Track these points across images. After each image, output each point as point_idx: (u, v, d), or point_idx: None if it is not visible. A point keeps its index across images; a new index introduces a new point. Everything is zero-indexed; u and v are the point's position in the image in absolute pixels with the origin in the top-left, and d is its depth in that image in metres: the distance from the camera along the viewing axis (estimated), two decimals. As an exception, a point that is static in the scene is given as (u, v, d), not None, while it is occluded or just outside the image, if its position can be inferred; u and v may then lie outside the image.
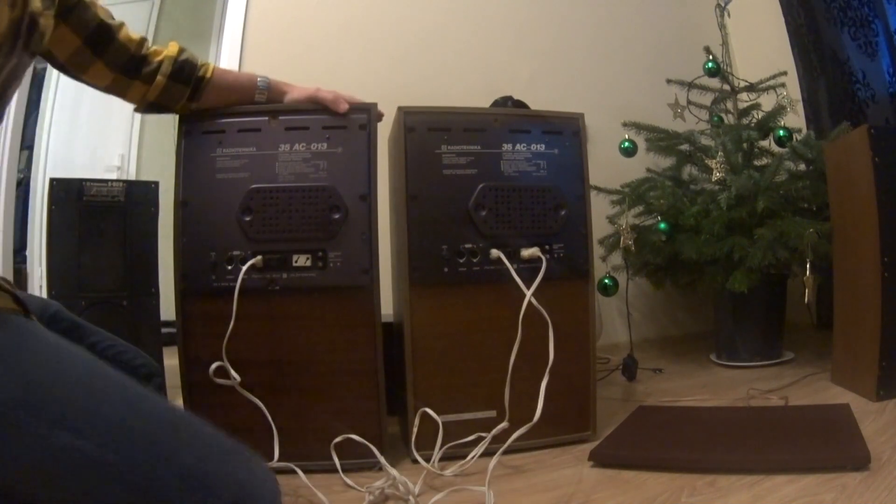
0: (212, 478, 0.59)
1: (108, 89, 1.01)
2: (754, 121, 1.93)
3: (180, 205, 1.07)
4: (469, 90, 2.06)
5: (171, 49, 1.04)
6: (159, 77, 1.01)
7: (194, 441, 0.61)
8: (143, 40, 1.01)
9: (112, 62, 0.97)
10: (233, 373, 0.97)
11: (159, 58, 1.02)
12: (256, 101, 1.11)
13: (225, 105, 1.09)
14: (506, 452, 0.99)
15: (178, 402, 1.05)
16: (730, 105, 2.00)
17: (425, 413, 1.07)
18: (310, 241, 1.06)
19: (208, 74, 1.06)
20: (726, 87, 2.00)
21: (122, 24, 0.99)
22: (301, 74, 2.05)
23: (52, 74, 2.59)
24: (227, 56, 1.98)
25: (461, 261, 1.12)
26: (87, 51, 0.94)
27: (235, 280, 1.02)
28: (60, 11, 0.88)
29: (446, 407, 1.09)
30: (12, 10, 0.73)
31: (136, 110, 1.07)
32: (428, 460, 1.03)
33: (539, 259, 1.10)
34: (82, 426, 0.55)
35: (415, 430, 1.07)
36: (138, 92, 1.02)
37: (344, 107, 1.08)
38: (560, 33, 2.36)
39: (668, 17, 2.53)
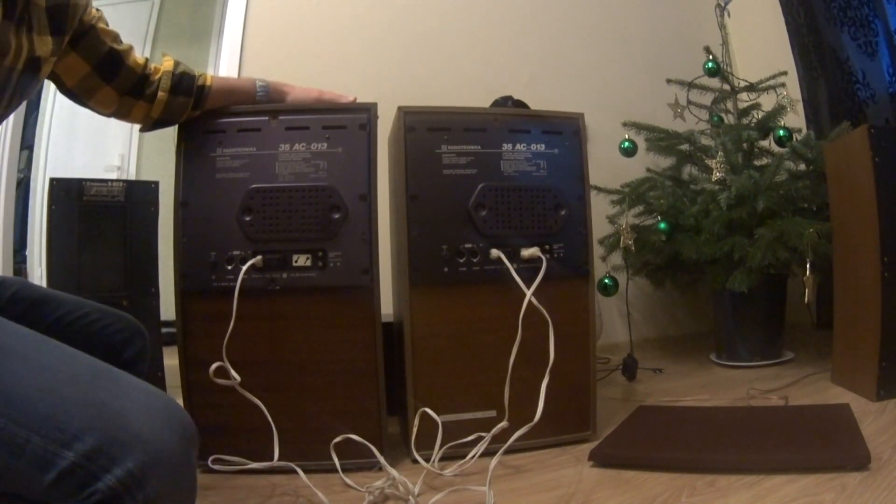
0: (111, 452, 0.56)
1: (113, 114, 1.02)
2: (754, 121, 1.93)
3: (180, 205, 1.07)
4: (469, 90, 2.06)
5: (167, 64, 1.04)
6: (160, 93, 1.02)
7: (96, 421, 0.58)
8: (146, 62, 1.02)
9: (120, 86, 0.98)
10: (233, 373, 0.97)
11: (158, 75, 1.03)
12: (257, 102, 1.11)
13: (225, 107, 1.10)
14: (506, 452, 0.99)
15: (178, 402, 1.05)
16: (730, 105, 2.00)
17: (425, 413, 1.06)
18: (310, 241, 1.06)
19: (208, 83, 1.07)
20: (726, 87, 2.00)
21: (130, 49, 1.00)
22: (301, 74, 2.05)
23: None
24: (227, 56, 1.98)
25: (461, 261, 1.12)
26: (95, 76, 0.95)
27: (235, 280, 1.02)
28: (71, 39, 0.89)
29: (446, 407, 1.09)
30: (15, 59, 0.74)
31: (142, 130, 1.08)
32: (428, 460, 1.03)
33: (539, 259, 1.10)
34: None
35: (415, 430, 1.07)
36: (142, 111, 1.03)
37: (350, 97, 1.12)
38: (560, 33, 2.36)
39: (668, 17, 2.53)
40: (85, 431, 0.56)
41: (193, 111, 1.06)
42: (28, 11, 0.77)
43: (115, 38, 0.97)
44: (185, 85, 1.04)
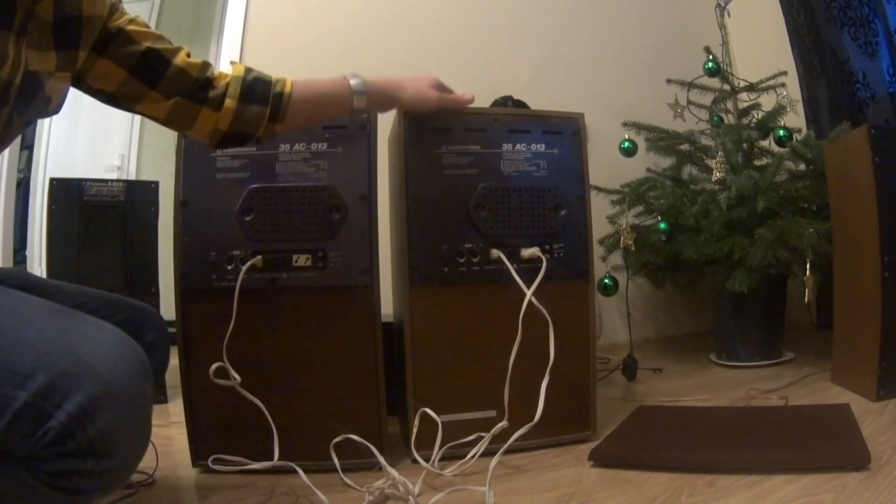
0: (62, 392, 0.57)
1: (170, 122, 0.89)
2: (754, 121, 1.93)
3: (180, 205, 1.07)
4: (469, 90, 2.06)
5: (237, 69, 0.92)
6: (228, 100, 0.89)
7: (46, 357, 0.58)
8: (206, 64, 0.90)
9: (168, 89, 0.86)
10: (233, 373, 0.96)
11: (226, 80, 0.90)
12: (356, 109, 0.98)
13: (317, 122, 1.04)
14: (506, 452, 0.99)
15: (178, 401, 1.06)
16: (730, 105, 2.01)
17: (425, 413, 1.06)
18: (310, 240, 1.06)
19: (287, 89, 0.94)
20: (726, 87, 2.00)
21: (179, 49, 0.88)
22: (301, 74, 2.05)
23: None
24: (227, 56, 1.98)
25: (461, 261, 1.12)
26: (135, 80, 0.84)
27: (235, 280, 1.02)
28: (96, 46, 0.81)
29: (446, 407, 1.09)
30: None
31: (211, 145, 0.94)
32: (428, 460, 1.02)
33: (539, 259, 1.10)
34: None
35: (414, 430, 1.07)
36: (208, 121, 0.89)
37: (469, 95, 1.11)
38: (560, 33, 2.36)
39: (668, 17, 2.53)
40: (36, 370, 0.56)
41: (272, 123, 0.92)
42: (28, 23, 0.71)
43: (157, 38, 0.86)
44: (259, 92, 0.91)
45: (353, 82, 0.98)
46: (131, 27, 0.84)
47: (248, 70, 0.93)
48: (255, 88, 0.91)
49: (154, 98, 0.86)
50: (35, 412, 0.55)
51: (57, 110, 0.82)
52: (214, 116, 0.89)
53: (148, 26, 0.87)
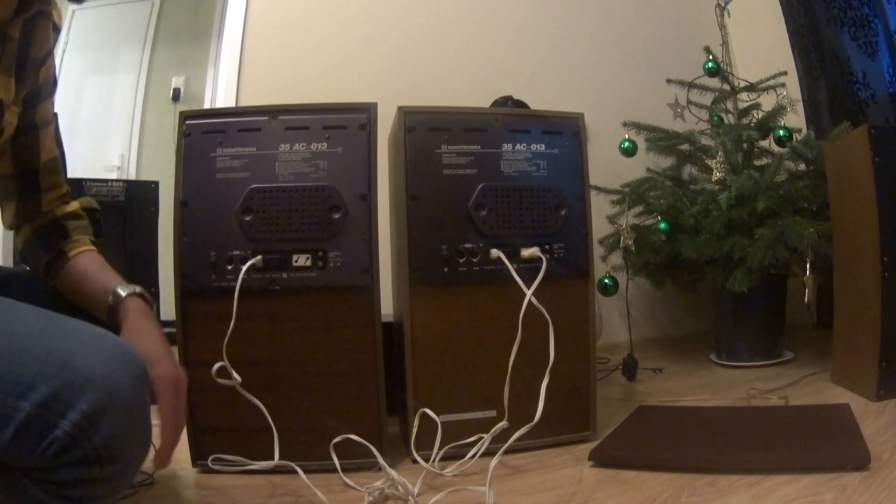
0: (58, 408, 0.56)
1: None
2: (754, 121, 1.92)
3: (180, 205, 1.07)
4: (469, 90, 2.06)
5: (73, 205, 0.91)
6: (26, 226, 0.88)
7: (48, 368, 0.58)
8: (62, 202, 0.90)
9: (24, 211, 0.87)
10: (234, 374, 0.96)
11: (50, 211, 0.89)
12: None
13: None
14: (506, 452, 0.99)
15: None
16: (730, 105, 2.00)
17: (425, 413, 1.06)
18: (310, 240, 1.06)
19: (70, 253, 0.86)
20: (726, 87, 2.00)
21: (66, 191, 0.89)
22: (301, 74, 2.06)
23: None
24: (227, 56, 1.98)
25: (461, 261, 1.12)
26: (11, 182, 0.85)
27: (235, 280, 1.02)
28: (19, 127, 0.79)
29: (446, 407, 1.09)
30: None
31: (18, 245, 0.91)
32: (428, 460, 1.02)
33: (539, 259, 1.10)
34: None
35: (414, 430, 1.07)
36: (21, 238, 0.89)
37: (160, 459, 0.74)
38: (560, 33, 2.36)
39: (668, 17, 2.53)
40: (38, 380, 0.57)
41: (47, 270, 0.87)
42: (1, 45, 0.69)
43: (56, 166, 0.87)
44: (53, 237, 0.87)
45: (112, 298, 0.82)
46: (49, 129, 0.84)
47: (71, 214, 0.90)
48: (53, 233, 0.88)
49: (9, 209, 0.86)
50: (39, 423, 0.56)
51: (3, 147, 0.80)
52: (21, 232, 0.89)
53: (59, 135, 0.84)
